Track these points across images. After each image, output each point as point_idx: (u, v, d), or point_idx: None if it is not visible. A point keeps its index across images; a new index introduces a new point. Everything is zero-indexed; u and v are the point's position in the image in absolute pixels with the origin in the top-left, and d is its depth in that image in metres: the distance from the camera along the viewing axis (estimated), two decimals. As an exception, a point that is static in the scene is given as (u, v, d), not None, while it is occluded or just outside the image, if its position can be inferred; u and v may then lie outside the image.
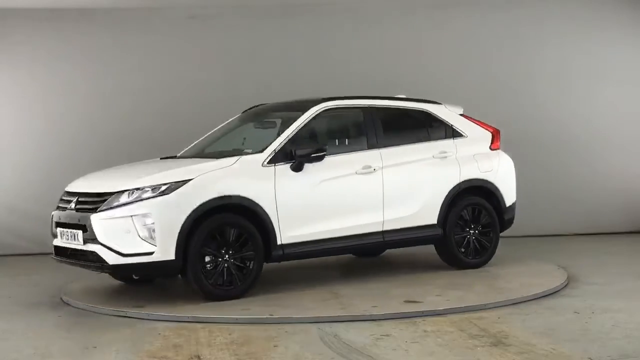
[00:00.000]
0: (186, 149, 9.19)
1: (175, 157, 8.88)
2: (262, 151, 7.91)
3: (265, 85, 11.60)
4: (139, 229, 7.27)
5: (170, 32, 12.07)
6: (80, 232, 7.49)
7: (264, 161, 7.83)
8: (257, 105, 9.38)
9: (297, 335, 6.35)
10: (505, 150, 9.03)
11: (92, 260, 7.45)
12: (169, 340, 6.30)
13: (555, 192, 12.13)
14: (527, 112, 12.12)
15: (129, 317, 7.20)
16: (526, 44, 12.19)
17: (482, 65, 12.17)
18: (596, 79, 12.17)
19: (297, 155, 7.87)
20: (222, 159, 7.82)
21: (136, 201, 7.33)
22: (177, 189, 7.38)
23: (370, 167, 8.36)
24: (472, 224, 9.01)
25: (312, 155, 7.94)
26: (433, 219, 8.74)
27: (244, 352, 5.89)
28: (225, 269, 7.53)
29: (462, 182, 8.93)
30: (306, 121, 8.24)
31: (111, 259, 7.28)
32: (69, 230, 7.68)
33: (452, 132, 9.09)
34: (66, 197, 8.04)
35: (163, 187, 7.38)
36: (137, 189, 7.40)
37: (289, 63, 12.08)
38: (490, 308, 7.13)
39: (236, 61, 12.06)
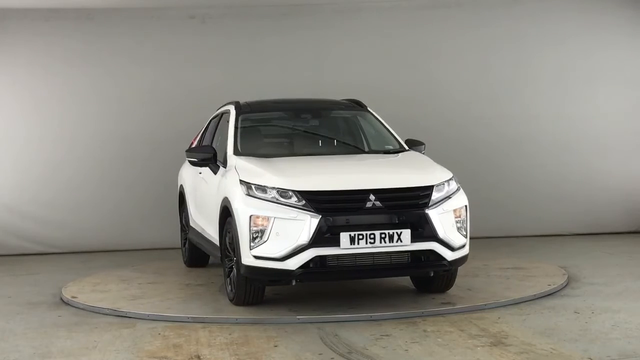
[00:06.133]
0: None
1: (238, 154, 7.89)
2: (402, 148, 8.17)
3: (265, 85, 11.58)
4: (458, 222, 7.15)
5: (170, 33, 12.05)
6: (404, 231, 6.84)
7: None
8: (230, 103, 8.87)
9: (297, 335, 6.35)
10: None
11: (419, 259, 6.98)
12: (169, 340, 6.30)
13: (555, 192, 12.11)
14: (526, 113, 12.10)
15: (129, 317, 7.19)
16: (525, 45, 12.17)
17: (481, 65, 12.15)
18: (595, 79, 12.13)
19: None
20: (397, 154, 8.03)
21: (451, 194, 7.19)
22: (457, 184, 7.41)
23: None
24: None
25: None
26: None
27: (244, 352, 5.89)
28: None
29: None
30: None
31: (449, 255, 7.01)
32: (378, 231, 6.80)
33: None
34: (345, 195, 6.93)
35: (455, 181, 7.36)
36: (443, 182, 7.22)
37: (288, 63, 12.06)
38: (490, 308, 7.13)
39: (236, 61, 12.04)
